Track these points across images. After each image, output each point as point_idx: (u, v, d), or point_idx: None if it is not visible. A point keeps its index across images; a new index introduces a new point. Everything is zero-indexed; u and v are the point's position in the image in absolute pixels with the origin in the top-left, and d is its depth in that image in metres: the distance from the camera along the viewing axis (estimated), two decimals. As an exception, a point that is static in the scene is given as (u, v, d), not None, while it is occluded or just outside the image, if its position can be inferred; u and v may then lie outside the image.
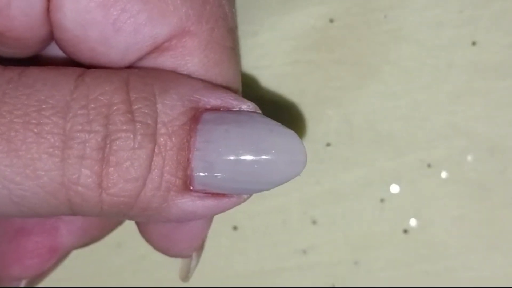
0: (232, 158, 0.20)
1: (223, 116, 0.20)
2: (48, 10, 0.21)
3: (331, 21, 0.31)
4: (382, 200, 0.32)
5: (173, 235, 0.25)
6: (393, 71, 0.31)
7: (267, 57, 0.31)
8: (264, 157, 0.20)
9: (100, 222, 0.26)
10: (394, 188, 0.32)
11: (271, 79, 0.31)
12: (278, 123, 0.20)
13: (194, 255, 0.26)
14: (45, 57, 0.24)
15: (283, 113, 0.32)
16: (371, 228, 0.32)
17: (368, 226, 0.32)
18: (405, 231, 0.32)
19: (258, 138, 0.20)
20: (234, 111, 0.21)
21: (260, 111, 0.21)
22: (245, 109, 0.21)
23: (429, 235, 0.32)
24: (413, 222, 0.32)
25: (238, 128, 0.20)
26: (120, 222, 0.28)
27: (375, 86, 0.31)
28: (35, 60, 0.24)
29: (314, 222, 0.32)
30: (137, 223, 0.26)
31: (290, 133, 0.20)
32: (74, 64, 0.22)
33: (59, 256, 0.26)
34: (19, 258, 0.26)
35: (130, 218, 0.21)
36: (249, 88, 0.31)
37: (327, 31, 0.31)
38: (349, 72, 0.31)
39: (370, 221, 0.32)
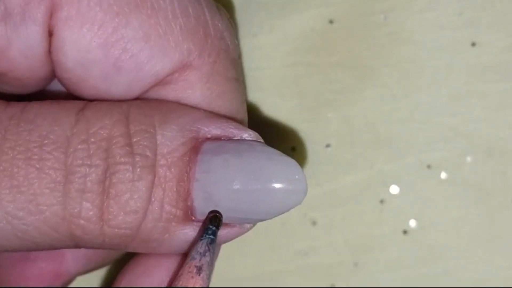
0: (231, 188, 0.20)
1: (223, 146, 0.20)
2: (49, 51, 0.21)
3: (331, 23, 0.31)
4: (382, 202, 0.32)
5: None
6: (392, 73, 0.31)
7: (267, 59, 0.31)
8: (263, 186, 0.20)
9: (105, 250, 0.27)
10: (394, 190, 0.32)
11: (271, 81, 0.31)
12: (279, 152, 0.20)
13: None
14: (49, 92, 0.24)
15: (282, 115, 0.31)
16: (371, 230, 0.32)
17: (368, 227, 0.32)
18: (405, 232, 0.32)
19: (258, 168, 0.20)
20: (234, 140, 0.20)
21: (261, 140, 0.21)
22: (246, 138, 0.21)
23: (429, 236, 0.32)
24: (412, 223, 0.32)
25: (237, 158, 0.20)
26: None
27: (374, 88, 0.31)
28: (39, 95, 0.23)
29: (314, 224, 0.32)
30: None
31: (290, 162, 0.20)
32: (77, 98, 0.22)
33: (64, 281, 0.26)
34: (24, 282, 0.26)
35: (133, 250, 0.21)
36: (249, 90, 0.31)
37: (326, 33, 0.31)
38: (349, 74, 0.31)
39: (370, 222, 0.32)
